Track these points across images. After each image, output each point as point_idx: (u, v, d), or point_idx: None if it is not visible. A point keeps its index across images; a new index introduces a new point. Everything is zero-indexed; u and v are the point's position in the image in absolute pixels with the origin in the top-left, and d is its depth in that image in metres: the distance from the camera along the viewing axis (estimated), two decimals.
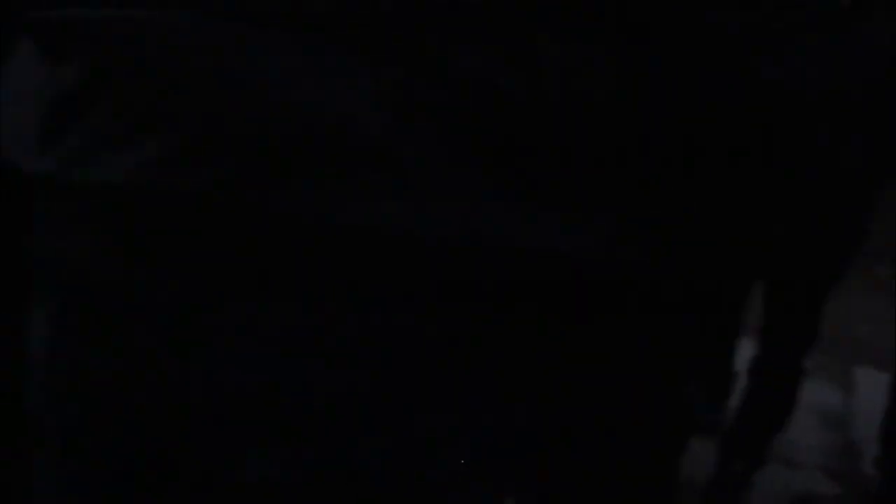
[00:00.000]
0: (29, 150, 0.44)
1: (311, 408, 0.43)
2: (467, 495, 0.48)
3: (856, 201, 1.65)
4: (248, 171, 0.38)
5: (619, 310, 0.57)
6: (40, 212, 0.48)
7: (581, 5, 0.38)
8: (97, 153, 0.41)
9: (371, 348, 0.42)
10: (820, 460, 2.23)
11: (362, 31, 0.38)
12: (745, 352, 2.00)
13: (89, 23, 0.41)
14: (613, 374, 1.10)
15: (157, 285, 0.42)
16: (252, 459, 0.44)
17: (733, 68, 0.38)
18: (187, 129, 0.39)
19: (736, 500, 1.96)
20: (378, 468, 0.44)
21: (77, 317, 0.45)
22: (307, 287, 0.41)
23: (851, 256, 1.72)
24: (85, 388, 0.45)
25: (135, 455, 0.45)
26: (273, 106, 0.38)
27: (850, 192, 1.63)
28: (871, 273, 3.19)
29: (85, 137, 0.42)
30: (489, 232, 0.39)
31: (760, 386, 1.88)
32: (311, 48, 0.38)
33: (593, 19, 0.38)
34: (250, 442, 0.43)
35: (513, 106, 0.38)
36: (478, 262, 0.41)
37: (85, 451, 0.47)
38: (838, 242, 1.69)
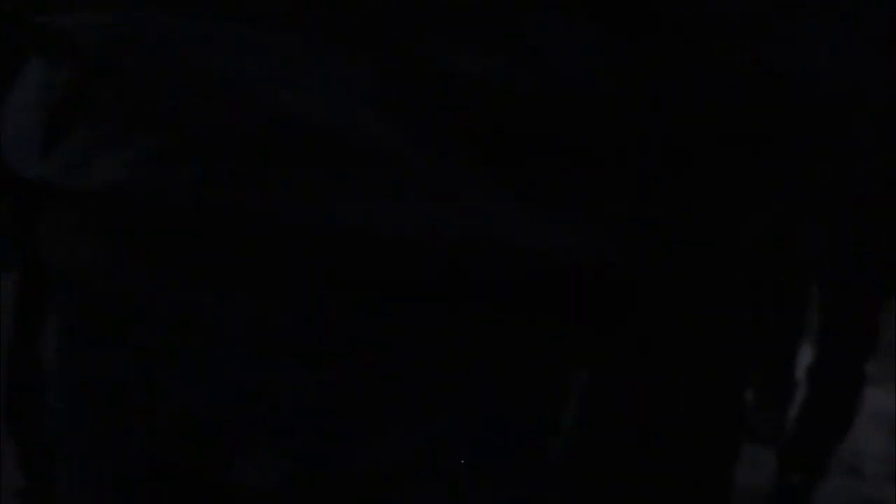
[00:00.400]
0: (30, 156, 0.45)
1: (303, 409, 0.43)
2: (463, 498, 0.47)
3: None
4: (236, 171, 0.39)
5: (645, 312, 0.57)
6: (45, 218, 0.49)
7: None
8: (91, 157, 0.41)
9: (364, 349, 0.42)
10: (885, 468, 2.17)
11: (348, 27, 0.38)
12: (805, 359, 1.96)
13: (79, 27, 0.42)
14: (642, 377, 1.09)
15: (155, 287, 0.42)
16: (244, 460, 0.44)
17: (738, 59, 0.37)
18: (173, 129, 0.39)
19: None
20: (370, 470, 0.44)
21: (81, 321, 0.46)
22: (301, 287, 0.41)
23: None
24: (90, 392, 0.46)
25: (138, 457, 0.46)
26: (260, 104, 0.38)
27: None
28: None
29: (78, 142, 0.42)
30: (485, 231, 0.39)
31: (820, 393, 1.84)
32: (297, 46, 0.38)
33: (586, 7, 0.38)
34: (243, 443, 0.44)
35: (505, 100, 0.38)
36: (473, 262, 0.40)
37: (92, 453, 0.48)
38: (892, 243, 1.65)
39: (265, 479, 0.44)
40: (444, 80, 0.38)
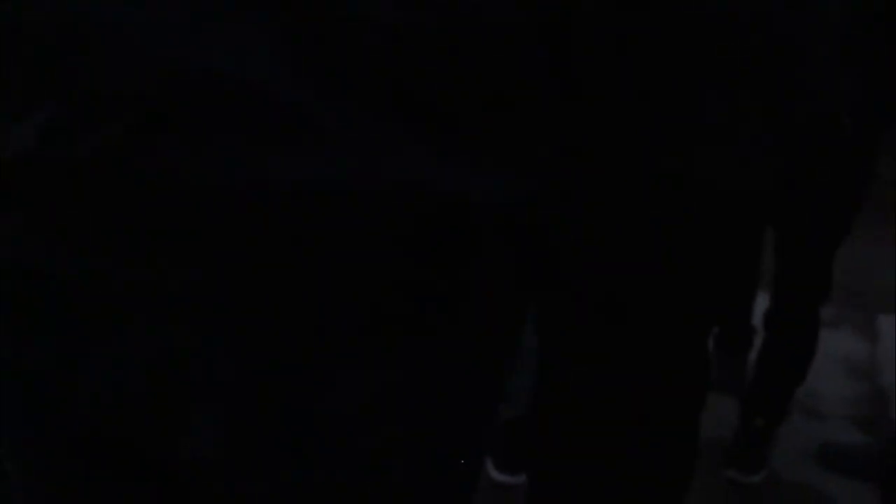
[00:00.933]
0: None
1: (234, 373, 0.42)
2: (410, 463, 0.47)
3: (857, 143, 1.63)
4: (148, 135, 0.38)
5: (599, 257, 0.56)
6: None
7: None
8: (2, 127, 0.40)
9: (294, 305, 0.41)
10: (847, 409, 2.22)
11: None
12: (762, 306, 1.99)
13: None
14: (606, 327, 1.09)
15: (71, 258, 0.41)
16: (180, 433, 0.43)
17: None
18: (83, 94, 0.38)
19: (762, 454, 1.95)
20: (307, 427, 0.44)
21: (9, 304, 0.44)
22: (226, 249, 0.40)
23: (859, 201, 1.70)
24: (18, 377, 0.45)
25: (76, 441, 0.45)
26: (170, 66, 0.37)
27: (851, 134, 1.60)
28: (890, 221, 3.14)
29: None
30: (406, 179, 0.39)
31: (777, 338, 1.87)
32: (207, 4, 0.37)
33: None
34: (177, 414, 0.43)
35: (418, 47, 0.38)
36: (398, 210, 0.40)
37: (30, 441, 0.46)
38: (843, 188, 1.67)
39: (204, 449, 0.43)
40: (355, 30, 0.37)
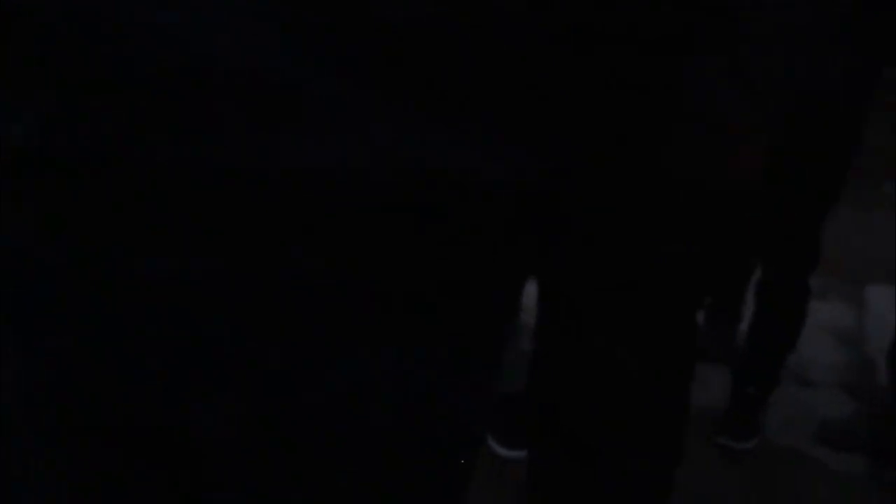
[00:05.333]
0: None
1: (249, 353, 0.42)
2: (406, 438, 0.48)
3: (844, 113, 1.65)
4: (151, 122, 0.37)
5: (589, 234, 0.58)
6: None
7: None
8: (5, 122, 0.39)
9: (302, 289, 0.42)
10: (836, 378, 2.25)
11: None
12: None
13: None
14: (592, 300, 1.10)
15: (83, 249, 0.40)
16: (201, 414, 0.44)
17: None
18: (81, 84, 0.37)
19: (753, 423, 1.99)
20: (321, 404, 0.44)
21: (10, 296, 0.44)
22: (232, 234, 0.40)
23: (845, 171, 1.72)
24: (30, 365, 0.44)
25: (94, 429, 0.45)
26: (170, 51, 0.36)
27: (837, 104, 1.62)
28: (878, 191, 3.17)
29: None
30: (412, 161, 0.39)
31: (767, 308, 1.90)
32: None
33: None
34: (196, 398, 0.43)
35: (425, 30, 0.38)
36: (404, 193, 0.40)
37: (45, 428, 0.46)
38: (831, 158, 1.69)
39: (223, 429, 0.44)
40: (363, 12, 0.37)
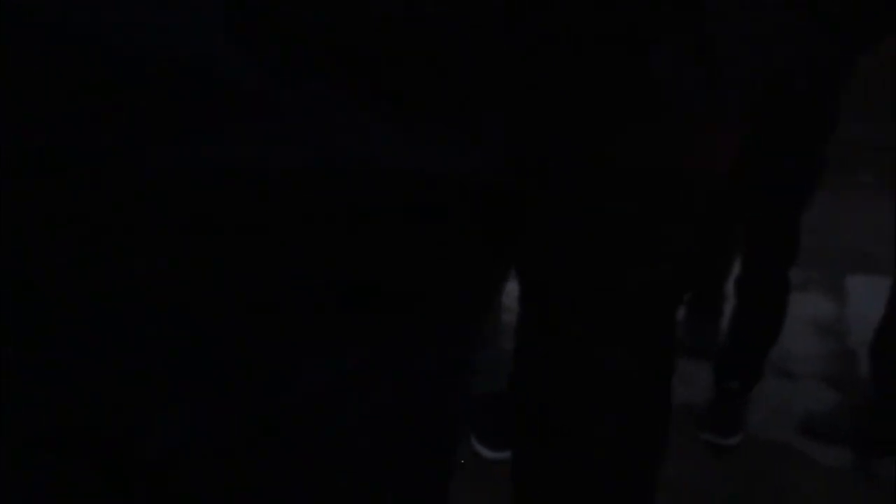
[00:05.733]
0: None
1: (202, 362, 0.42)
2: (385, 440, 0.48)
3: (815, 102, 1.65)
4: (92, 118, 0.36)
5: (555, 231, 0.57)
6: None
7: None
8: None
9: (257, 292, 0.41)
10: (818, 369, 2.26)
11: None
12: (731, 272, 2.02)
13: None
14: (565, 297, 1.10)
15: (22, 256, 0.40)
16: (145, 427, 0.43)
17: None
18: (18, 85, 0.36)
19: (737, 418, 1.99)
20: (281, 412, 0.44)
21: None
22: (179, 235, 0.39)
23: (820, 161, 1.72)
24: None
25: (40, 441, 0.44)
26: (105, 45, 0.35)
27: (808, 92, 1.62)
28: (855, 181, 3.19)
29: None
30: (360, 157, 0.39)
31: (748, 302, 1.90)
32: None
33: None
34: (142, 408, 0.42)
35: (379, 24, 0.37)
36: (351, 190, 0.40)
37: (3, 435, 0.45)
38: (806, 149, 1.69)
39: (170, 442, 0.43)
40: (312, 7, 0.36)
